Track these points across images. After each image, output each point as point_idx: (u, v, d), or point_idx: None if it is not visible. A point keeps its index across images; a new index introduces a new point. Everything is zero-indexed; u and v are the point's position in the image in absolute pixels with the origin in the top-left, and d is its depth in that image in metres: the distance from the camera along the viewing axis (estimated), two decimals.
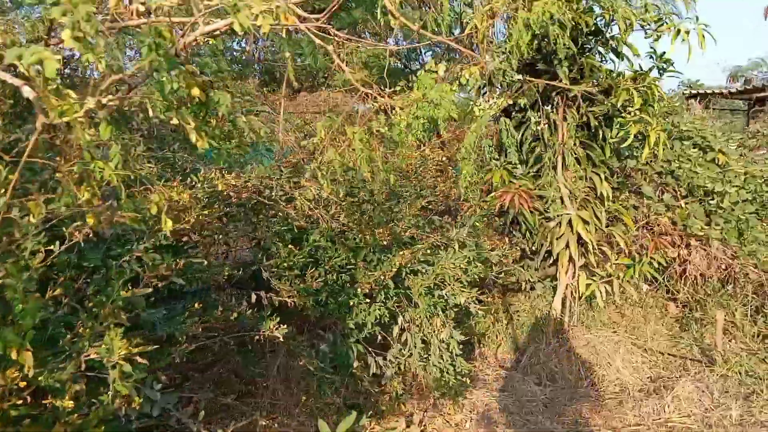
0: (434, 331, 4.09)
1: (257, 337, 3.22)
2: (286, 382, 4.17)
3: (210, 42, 3.36)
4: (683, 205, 5.98)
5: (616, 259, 5.56)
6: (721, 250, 5.81)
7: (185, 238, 3.86)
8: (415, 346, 4.01)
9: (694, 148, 6.17)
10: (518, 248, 5.90)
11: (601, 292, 5.50)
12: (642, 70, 5.27)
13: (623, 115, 4.92)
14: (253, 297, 3.69)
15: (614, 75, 5.04)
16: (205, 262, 3.28)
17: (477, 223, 4.29)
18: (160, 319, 2.81)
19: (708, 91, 15.02)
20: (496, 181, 5.33)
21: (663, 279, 6.19)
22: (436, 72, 2.98)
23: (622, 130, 5.01)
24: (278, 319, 3.23)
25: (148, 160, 3.60)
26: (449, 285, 4.01)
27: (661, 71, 5.27)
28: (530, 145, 5.50)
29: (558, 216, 5.30)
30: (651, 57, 5.38)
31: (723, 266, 5.77)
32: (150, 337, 2.91)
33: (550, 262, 5.62)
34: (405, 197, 4.15)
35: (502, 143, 5.83)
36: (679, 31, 4.79)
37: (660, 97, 4.87)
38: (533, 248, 5.70)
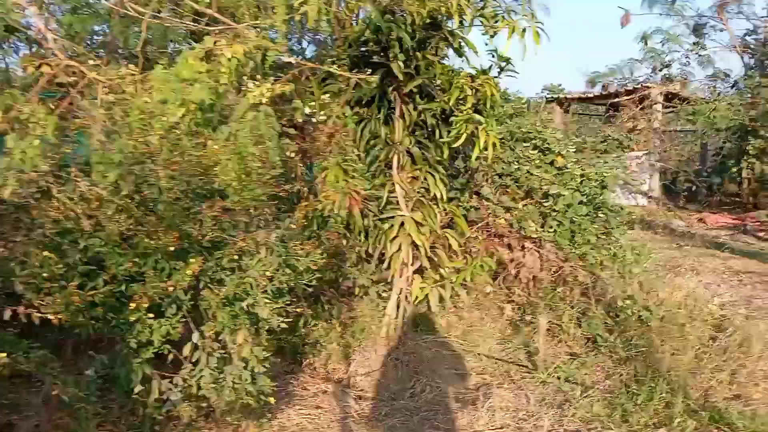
0: (235, 348, 3.65)
1: None
2: (58, 411, 3.55)
3: None
4: (520, 207, 5.98)
5: (451, 262, 5.42)
6: (553, 252, 5.88)
7: None
8: (208, 365, 3.54)
9: (533, 150, 6.20)
10: (355, 251, 5.61)
11: (435, 297, 5.35)
12: (482, 68, 5.15)
13: (455, 114, 4.73)
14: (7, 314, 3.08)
15: (449, 72, 4.83)
16: None
17: (293, 225, 3.89)
18: None
19: (568, 96, 15.78)
20: (329, 180, 4.96)
21: (499, 281, 6.20)
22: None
23: (454, 129, 4.82)
24: None
25: None
26: (252, 295, 3.58)
27: (500, 70, 5.15)
28: (368, 143, 5.20)
29: (391, 218, 5.05)
30: (492, 55, 5.26)
31: (554, 268, 5.83)
32: None
33: (386, 265, 5.37)
34: (203, 195, 3.66)
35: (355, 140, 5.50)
36: (514, 28, 4.68)
37: (492, 97, 4.72)
38: (369, 251, 5.42)
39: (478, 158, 4.76)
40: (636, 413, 4.09)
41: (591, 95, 15.92)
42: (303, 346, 5.40)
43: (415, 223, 5.02)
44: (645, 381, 4.38)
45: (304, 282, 3.71)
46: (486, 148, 4.65)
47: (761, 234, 11.33)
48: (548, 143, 6.22)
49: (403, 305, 5.43)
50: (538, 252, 5.89)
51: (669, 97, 14.13)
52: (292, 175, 5.63)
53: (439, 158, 5.14)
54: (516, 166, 6.03)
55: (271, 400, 3.78)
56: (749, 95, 14.14)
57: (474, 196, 6.29)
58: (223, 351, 3.68)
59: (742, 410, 3.97)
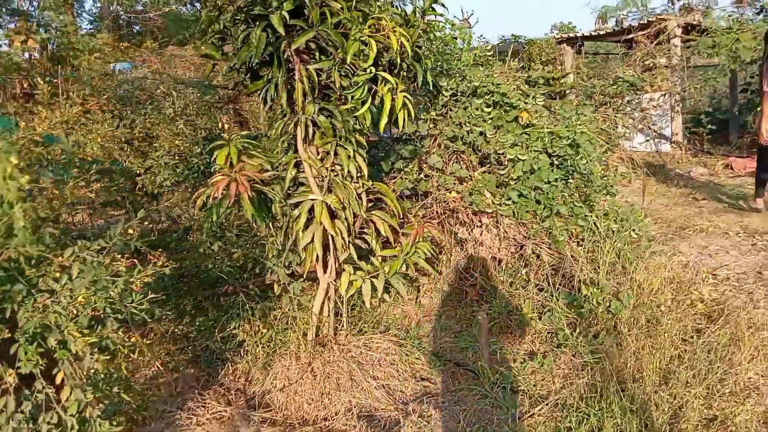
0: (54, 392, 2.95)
1: None
2: None
3: None
4: (475, 177, 5.03)
5: (384, 250, 4.57)
6: (514, 228, 4.95)
7: None
8: (17, 412, 2.85)
9: (489, 107, 5.19)
10: (269, 242, 4.83)
11: (368, 290, 4.51)
12: (404, 13, 4.19)
13: (358, 73, 3.80)
14: None
15: (347, 21, 3.84)
16: None
17: (131, 231, 3.10)
18: None
19: (578, 35, 14.29)
20: (220, 162, 4.12)
21: (457, 263, 5.32)
22: None
23: (356, 91, 3.87)
24: None
25: None
26: (62, 326, 2.84)
27: (422, 12, 4.17)
28: (270, 113, 4.32)
29: (300, 203, 4.20)
30: None
31: (513, 248, 4.91)
32: None
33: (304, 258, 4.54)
34: None
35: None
36: None
37: (403, 50, 3.75)
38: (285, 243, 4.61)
39: (386, 127, 3.84)
40: None
41: (603, 32, 14.38)
42: (225, 352, 4.73)
43: (329, 208, 4.16)
44: (602, 395, 3.49)
45: (133, 305, 2.92)
46: (396, 114, 3.74)
47: None
48: (507, 98, 5.19)
49: (333, 301, 4.64)
50: (496, 228, 4.96)
51: (688, 30, 12.56)
52: None
53: (352, 127, 4.20)
54: (468, 128, 5.05)
55: None
56: None
57: (425, 165, 5.37)
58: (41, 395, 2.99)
59: None
